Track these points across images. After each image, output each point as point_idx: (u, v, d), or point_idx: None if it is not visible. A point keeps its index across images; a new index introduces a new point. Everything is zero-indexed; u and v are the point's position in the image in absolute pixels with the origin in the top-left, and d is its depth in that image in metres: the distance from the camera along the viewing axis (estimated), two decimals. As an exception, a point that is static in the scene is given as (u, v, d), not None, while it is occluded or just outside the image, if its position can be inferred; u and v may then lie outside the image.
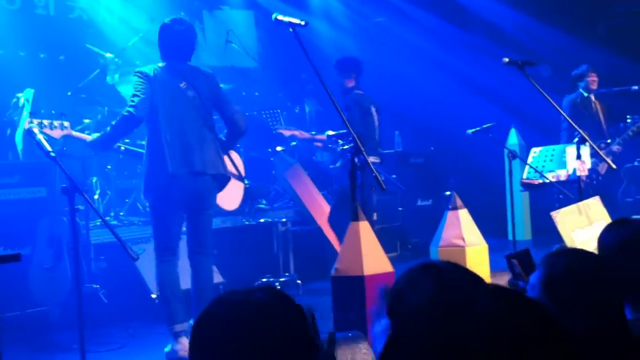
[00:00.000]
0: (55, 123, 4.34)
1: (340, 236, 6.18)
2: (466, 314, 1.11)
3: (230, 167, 5.03)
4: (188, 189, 4.57)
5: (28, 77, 6.25)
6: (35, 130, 3.78)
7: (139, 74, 4.57)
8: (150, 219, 4.76)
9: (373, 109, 6.76)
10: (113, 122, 4.60)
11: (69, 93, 6.02)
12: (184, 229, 4.80)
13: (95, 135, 4.61)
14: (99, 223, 5.77)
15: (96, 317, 4.94)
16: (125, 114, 4.48)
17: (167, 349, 4.55)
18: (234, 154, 5.32)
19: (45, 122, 4.30)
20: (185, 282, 4.92)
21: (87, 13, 7.49)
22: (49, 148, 3.70)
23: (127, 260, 4.60)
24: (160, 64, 4.67)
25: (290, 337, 1.53)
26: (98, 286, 5.33)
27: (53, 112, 5.58)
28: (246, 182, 5.62)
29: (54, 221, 5.28)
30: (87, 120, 6.04)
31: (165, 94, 4.58)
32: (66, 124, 4.40)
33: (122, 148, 4.91)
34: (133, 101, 4.50)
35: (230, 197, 5.52)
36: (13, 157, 5.95)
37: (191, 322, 4.60)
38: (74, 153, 5.38)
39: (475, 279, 1.70)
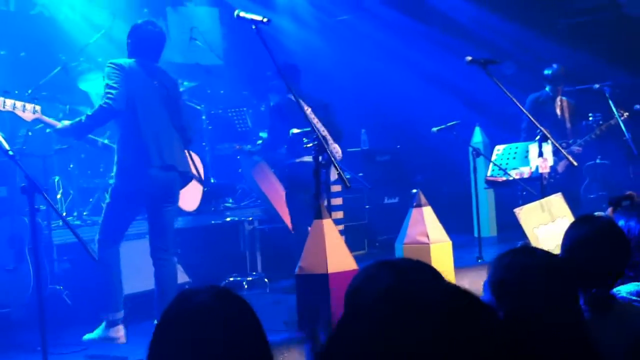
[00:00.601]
0: (28, 106, 4.34)
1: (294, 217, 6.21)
2: (417, 310, 1.11)
3: (192, 168, 5.06)
4: (159, 182, 4.62)
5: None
6: (-7, 128, 3.71)
7: (113, 65, 4.60)
8: (106, 208, 4.76)
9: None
10: (89, 112, 4.63)
11: (29, 91, 5.92)
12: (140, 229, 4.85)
13: (66, 122, 4.59)
14: (61, 223, 5.69)
15: (60, 319, 4.88)
16: (104, 105, 4.51)
17: (92, 335, 4.62)
18: (195, 156, 5.34)
19: (18, 103, 4.29)
20: (145, 282, 4.93)
21: (48, 9, 7.37)
22: (7, 147, 3.64)
23: (91, 261, 4.58)
24: (131, 59, 4.66)
25: (233, 339, 1.54)
26: (61, 287, 5.25)
27: (28, 92, 5.53)
28: (205, 188, 5.61)
29: (14, 221, 5.18)
30: (48, 119, 5.95)
31: (140, 88, 4.63)
32: (37, 107, 4.39)
33: (100, 143, 4.93)
34: (111, 93, 4.51)
35: (190, 197, 5.53)
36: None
37: (155, 322, 4.57)
38: (34, 151, 5.30)
39: (433, 274, 1.70)
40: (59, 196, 6.09)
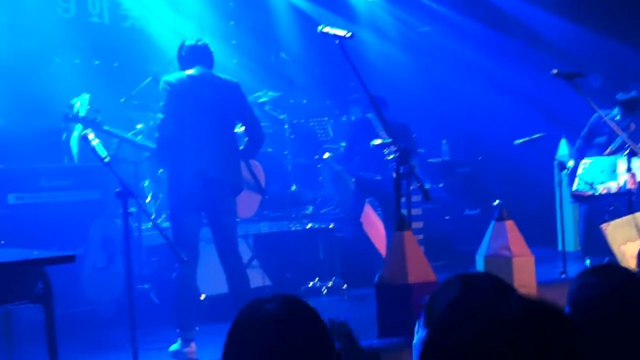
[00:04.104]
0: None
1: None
2: (490, 323, 1.14)
3: (247, 176, 5.12)
4: (203, 193, 4.70)
5: (83, 83, 6.44)
6: (90, 136, 3.91)
7: (163, 84, 4.79)
8: (170, 221, 4.88)
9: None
10: (155, 146, 4.85)
11: (123, 99, 6.20)
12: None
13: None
14: (150, 226, 5.93)
15: (147, 317, 5.06)
16: (157, 135, 4.77)
17: (174, 348, 4.71)
18: (256, 165, 5.41)
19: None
20: (212, 287, 5.02)
21: (139, 22, 7.69)
22: (103, 154, 3.83)
23: (177, 262, 4.77)
24: (186, 72, 4.85)
25: (301, 347, 1.56)
26: (149, 286, 5.46)
27: (122, 100, 5.78)
28: (265, 197, 5.70)
29: (107, 223, 5.44)
30: (139, 126, 6.23)
31: (188, 100, 4.75)
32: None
33: None
34: (162, 119, 4.72)
35: (245, 205, 5.60)
36: (68, 160, 6.15)
37: None
38: (127, 157, 5.54)
39: (506, 288, 1.72)
40: (148, 199, 6.32)
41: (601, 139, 6.88)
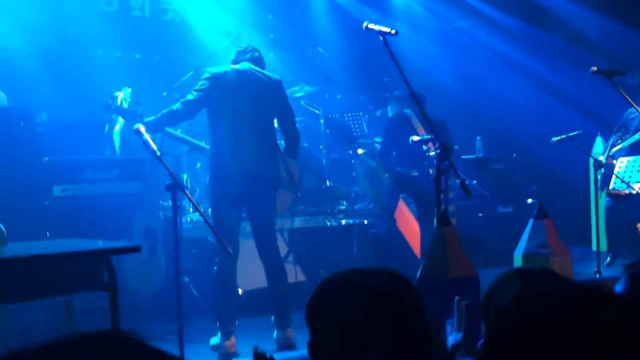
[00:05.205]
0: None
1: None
2: (553, 313, 1.17)
3: (283, 174, 5.17)
4: (240, 187, 4.76)
5: (124, 76, 6.54)
6: (142, 129, 3.99)
7: (207, 73, 4.85)
8: (212, 216, 4.93)
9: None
10: (164, 111, 4.82)
11: (165, 93, 6.28)
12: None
13: (151, 118, 4.80)
14: (189, 219, 6.03)
15: (187, 309, 5.13)
16: (174, 108, 4.77)
17: (214, 342, 4.78)
18: (291, 163, 5.46)
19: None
20: (249, 282, 5.07)
21: (180, 15, 7.77)
22: (155, 147, 3.90)
23: (216, 255, 4.85)
24: (232, 66, 4.93)
25: (404, 327, 1.59)
26: (188, 279, 5.55)
27: (164, 94, 5.89)
28: (297, 194, 5.75)
29: (150, 215, 5.53)
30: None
31: (230, 93, 4.81)
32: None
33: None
34: (188, 99, 4.77)
35: (277, 201, 5.63)
36: (110, 152, 6.25)
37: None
38: (170, 151, 5.63)
39: (565, 280, 1.75)
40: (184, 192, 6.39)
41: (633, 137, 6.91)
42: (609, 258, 6.96)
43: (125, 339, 0.99)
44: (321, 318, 1.66)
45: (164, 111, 4.84)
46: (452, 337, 2.48)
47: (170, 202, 4.37)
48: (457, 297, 2.52)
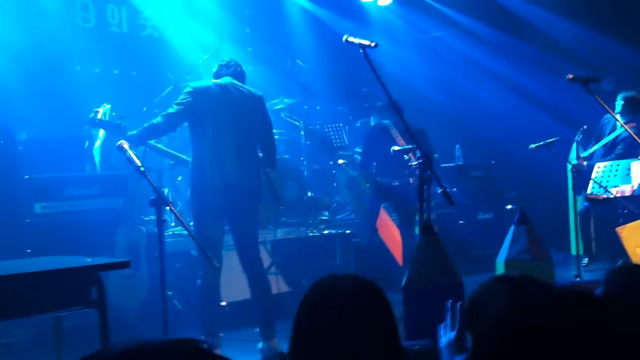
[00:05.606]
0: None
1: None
2: (543, 321, 1.19)
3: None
4: (222, 200, 4.79)
5: (103, 92, 6.52)
6: (125, 146, 3.99)
7: (189, 87, 4.88)
8: (194, 229, 4.92)
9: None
10: (146, 124, 4.84)
11: (144, 109, 6.28)
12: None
13: (133, 132, 4.82)
14: (171, 232, 6.02)
15: (172, 322, 5.12)
16: (155, 121, 4.79)
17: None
18: (273, 175, 5.49)
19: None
20: (233, 294, 5.06)
21: (158, 30, 7.77)
22: (138, 163, 3.90)
23: (199, 268, 4.86)
24: (214, 80, 4.99)
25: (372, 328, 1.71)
26: (172, 293, 5.53)
27: (144, 109, 5.86)
28: (280, 207, 5.75)
29: (132, 230, 5.51)
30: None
31: (212, 107, 4.85)
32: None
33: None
34: (169, 112, 4.80)
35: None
36: (91, 169, 6.22)
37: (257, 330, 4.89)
38: (152, 166, 5.62)
39: (548, 287, 1.79)
40: (168, 207, 6.37)
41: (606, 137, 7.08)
42: (586, 259, 7.06)
43: (196, 347, 1.02)
44: (296, 323, 1.81)
45: (146, 125, 4.85)
46: (446, 338, 2.54)
47: (152, 217, 4.38)
48: (450, 301, 2.61)
